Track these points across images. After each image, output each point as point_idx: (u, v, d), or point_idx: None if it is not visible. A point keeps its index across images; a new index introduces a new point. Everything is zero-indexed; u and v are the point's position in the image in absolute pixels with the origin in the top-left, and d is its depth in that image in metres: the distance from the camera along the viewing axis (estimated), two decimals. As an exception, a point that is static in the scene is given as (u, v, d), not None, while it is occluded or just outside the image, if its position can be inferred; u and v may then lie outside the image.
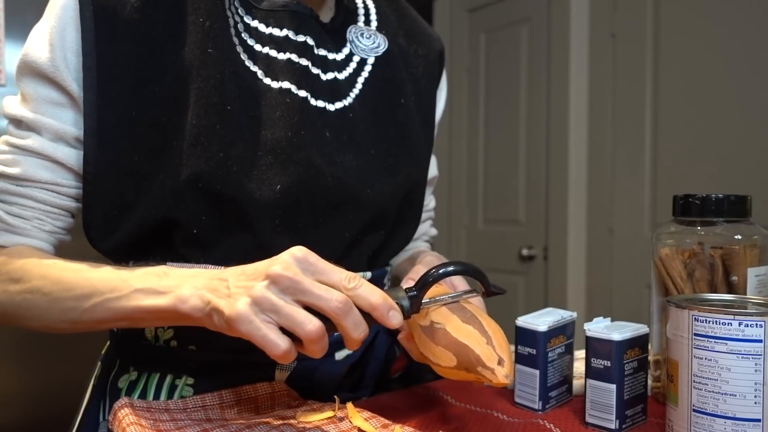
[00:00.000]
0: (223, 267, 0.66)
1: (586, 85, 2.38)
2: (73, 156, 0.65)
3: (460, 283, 0.68)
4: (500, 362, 0.55)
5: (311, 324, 0.50)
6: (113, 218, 0.65)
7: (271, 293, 0.50)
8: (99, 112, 0.63)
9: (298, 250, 0.52)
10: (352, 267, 0.71)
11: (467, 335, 0.56)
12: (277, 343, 0.50)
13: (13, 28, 1.43)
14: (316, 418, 0.61)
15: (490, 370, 0.54)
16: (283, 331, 0.51)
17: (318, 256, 0.53)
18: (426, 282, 0.57)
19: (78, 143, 0.65)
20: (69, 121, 0.65)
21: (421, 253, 0.87)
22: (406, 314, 0.56)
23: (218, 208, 0.65)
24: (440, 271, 0.58)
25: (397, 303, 0.55)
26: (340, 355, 0.73)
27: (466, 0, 2.81)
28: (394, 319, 0.53)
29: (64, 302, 0.60)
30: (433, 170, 0.90)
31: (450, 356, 0.56)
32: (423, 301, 0.58)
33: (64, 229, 0.69)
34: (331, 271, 0.52)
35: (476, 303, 0.64)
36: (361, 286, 0.52)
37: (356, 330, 0.52)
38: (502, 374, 0.54)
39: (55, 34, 0.64)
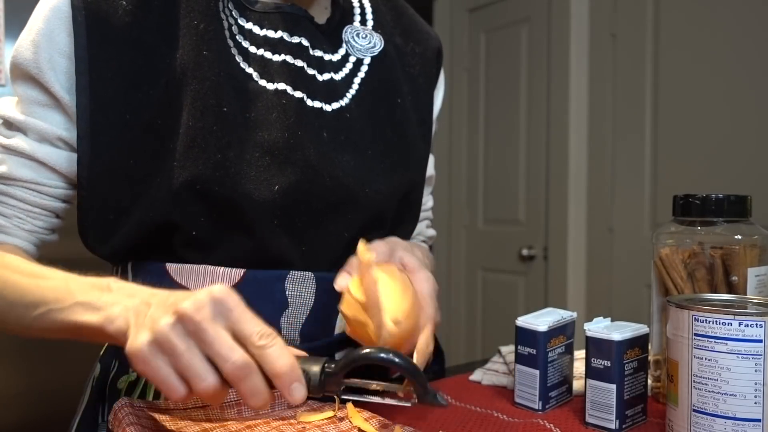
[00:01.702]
0: (223, 268, 0.66)
1: (586, 85, 2.38)
2: (56, 156, 0.66)
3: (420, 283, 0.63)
4: (396, 323, 0.54)
5: (205, 382, 0.46)
6: (110, 222, 0.65)
7: (174, 334, 0.46)
8: (92, 116, 0.63)
9: (219, 291, 0.47)
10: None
11: (404, 290, 0.57)
12: (174, 388, 0.46)
13: (13, 28, 1.43)
14: (316, 418, 0.61)
15: (385, 316, 0.54)
16: None
17: (240, 299, 0.48)
18: (349, 361, 0.49)
19: (63, 144, 0.66)
20: (54, 122, 0.66)
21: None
22: (313, 391, 0.49)
23: (216, 210, 0.65)
24: (369, 355, 0.49)
25: (306, 375, 0.48)
26: (339, 355, 0.73)
27: (466, 0, 2.81)
28: (296, 393, 0.47)
29: (17, 309, 0.58)
30: (430, 169, 0.90)
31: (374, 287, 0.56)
32: (341, 386, 0.50)
33: (46, 229, 0.69)
34: (246, 322, 0.47)
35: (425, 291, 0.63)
36: (270, 347, 0.47)
37: (252, 398, 0.47)
38: (388, 327, 0.54)
39: (42, 36, 0.64)
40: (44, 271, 0.60)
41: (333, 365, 0.50)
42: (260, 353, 0.47)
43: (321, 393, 0.50)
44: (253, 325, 0.47)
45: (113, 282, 0.55)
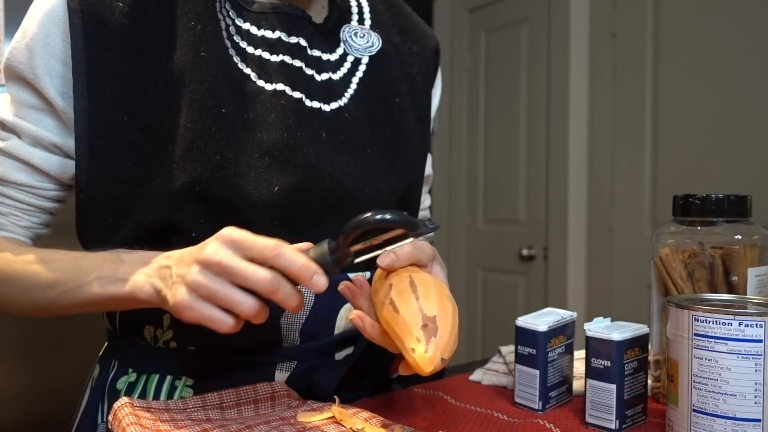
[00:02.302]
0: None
1: (586, 85, 2.38)
2: (49, 161, 0.67)
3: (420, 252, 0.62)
4: (444, 362, 0.51)
5: (246, 304, 0.53)
6: (108, 225, 0.66)
7: (204, 278, 0.53)
8: (90, 118, 0.63)
9: (226, 231, 0.54)
10: (352, 267, 0.71)
11: (454, 324, 0.54)
12: (223, 320, 0.54)
13: (13, 28, 1.43)
14: (316, 418, 0.61)
15: (437, 350, 0.51)
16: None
17: (244, 231, 0.54)
18: (349, 231, 0.54)
19: (56, 149, 0.67)
20: (47, 127, 0.66)
21: None
22: (332, 271, 0.55)
23: (216, 211, 0.65)
24: (367, 220, 0.53)
25: (322, 262, 0.54)
26: (339, 355, 0.73)
27: (466, 0, 2.81)
28: (319, 283, 0.53)
29: (32, 293, 0.64)
30: (427, 169, 0.90)
31: (417, 314, 0.53)
32: (350, 255, 0.56)
33: (40, 225, 0.71)
34: (254, 245, 0.53)
35: (439, 276, 0.61)
36: (282, 255, 0.52)
37: (289, 300, 0.54)
38: (437, 364, 0.50)
39: (38, 41, 0.64)
40: (49, 254, 0.64)
41: (335, 242, 0.55)
42: (277, 263, 0.52)
43: (337, 270, 0.55)
44: (261, 244, 0.53)
45: (122, 253, 0.62)
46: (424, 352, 0.51)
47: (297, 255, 0.53)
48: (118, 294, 0.59)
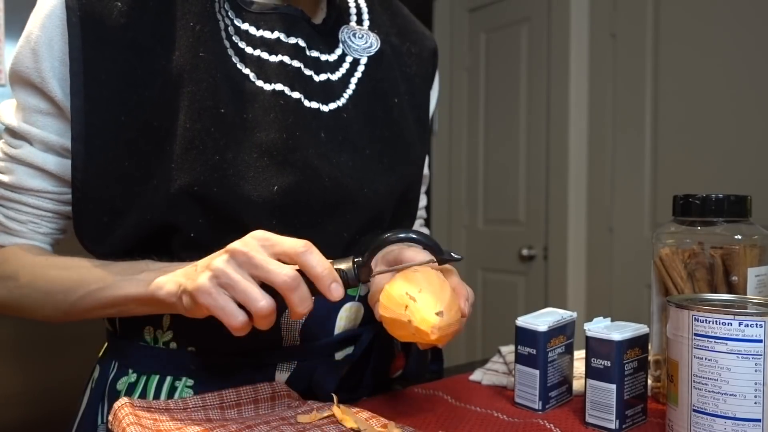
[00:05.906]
0: None
1: (586, 85, 2.38)
2: (62, 165, 0.67)
3: (417, 254, 0.65)
4: (439, 314, 0.55)
5: (262, 302, 0.53)
6: (105, 225, 0.66)
7: (229, 267, 0.53)
8: (87, 118, 0.63)
9: (259, 231, 0.56)
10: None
11: (441, 284, 0.58)
12: (235, 314, 0.54)
13: (13, 28, 1.43)
14: (316, 418, 0.61)
15: (428, 311, 0.55)
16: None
17: (274, 234, 0.56)
18: (373, 249, 0.57)
19: (66, 152, 0.67)
20: (57, 131, 0.67)
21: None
22: (351, 283, 0.57)
23: (215, 212, 0.65)
24: (389, 237, 0.57)
25: (342, 274, 0.57)
26: (339, 355, 0.73)
27: (466, 0, 2.81)
28: (335, 291, 0.54)
29: (56, 296, 0.65)
30: (424, 169, 0.90)
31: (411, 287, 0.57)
32: (374, 268, 0.59)
33: (58, 230, 0.72)
34: (284, 242, 0.54)
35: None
36: (310, 254, 0.54)
37: (301, 305, 0.54)
38: (432, 321, 0.54)
39: (42, 45, 0.64)
40: (74, 260, 0.66)
41: (360, 258, 0.58)
42: (304, 259, 0.54)
43: (357, 284, 0.58)
44: (291, 242, 0.54)
45: (150, 262, 0.64)
46: (420, 324, 0.55)
47: (324, 259, 0.55)
48: (138, 293, 0.60)
